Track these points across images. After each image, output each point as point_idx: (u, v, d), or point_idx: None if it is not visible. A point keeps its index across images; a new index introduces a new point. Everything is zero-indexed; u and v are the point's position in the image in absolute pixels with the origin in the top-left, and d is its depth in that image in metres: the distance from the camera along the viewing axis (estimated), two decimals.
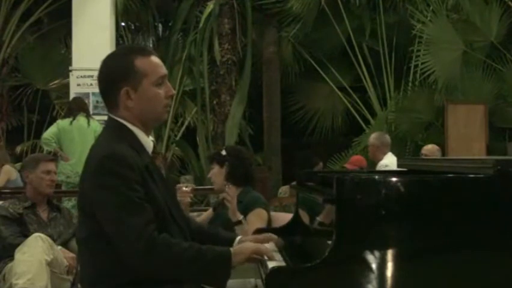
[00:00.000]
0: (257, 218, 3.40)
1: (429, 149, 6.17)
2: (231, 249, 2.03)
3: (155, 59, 2.08)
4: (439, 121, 8.80)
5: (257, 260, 2.07)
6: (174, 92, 2.16)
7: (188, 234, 2.15)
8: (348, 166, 6.54)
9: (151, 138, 2.18)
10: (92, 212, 1.97)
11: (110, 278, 1.99)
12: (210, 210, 3.84)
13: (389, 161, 5.82)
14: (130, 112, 2.05)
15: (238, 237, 2.31)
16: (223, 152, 3.63)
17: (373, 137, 6.25)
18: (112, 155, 1.96)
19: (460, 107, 8.44)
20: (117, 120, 2.07)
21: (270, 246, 2.27)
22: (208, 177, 3.77)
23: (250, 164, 3.68)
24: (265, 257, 2.09)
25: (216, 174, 3.62)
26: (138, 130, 2.08)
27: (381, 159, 6.01)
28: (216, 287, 2.01)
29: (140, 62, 2.04)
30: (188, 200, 3.62)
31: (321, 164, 7.32)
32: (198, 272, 1.96)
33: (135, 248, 1.89)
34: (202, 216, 3.85)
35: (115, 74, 2.05)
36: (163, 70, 2.09)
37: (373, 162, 6.33)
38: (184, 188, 3.49)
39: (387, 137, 6.32)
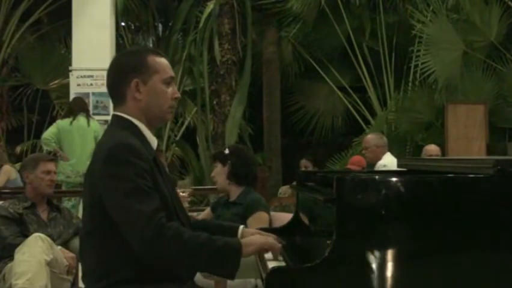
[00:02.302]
0: (258, 221, 3.39)
1: (434, 149, 6.16)
2: (241, 240, 2.05)
3: (166, 61, 2.17)
4: (439, 121, 8.80)
5: (265, 252, 2.10)
6: (179, 95, 2.20)
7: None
8: (351, 167, 6.51)
9: None
10: (98, 204, 1.98)
11: (112, 274, 1.99)
12: (208, 210, 3.83)
13: (388, 161, 5.80)
14: (137, 105, 2.10)
15: (241, 226, 2.34)
16: (226, 151, 3.63)
17: (374, 138, 6.19)
18: (121, 145, 1.99)
19: (460, 107, 8.44)
20: (123, 117, 2.11)
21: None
22: (211, 177, 3.77)
23: (252, 164, 3.66)
24: (270, 256, 2.10)
25: (219, 173, 3.62)
26: (143, 126, 2.12)
27: (380, 159, 5.98)
28: (225, 277, 2.02)
29: (152, 59, 2.12)
30: (186, 204, 3.62)
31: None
32: (207, 260, 1.96)
33: (144, 235, 1.89)
34: (200, 216, 3.85)
35: (127, 66, 2.11)
36: (172, 72, 2.17)
37: (369, 164, 6.27)
38: (181, 194, 3.49)
39: (385, 137, 6.32)
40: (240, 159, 3.58)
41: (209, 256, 1.95)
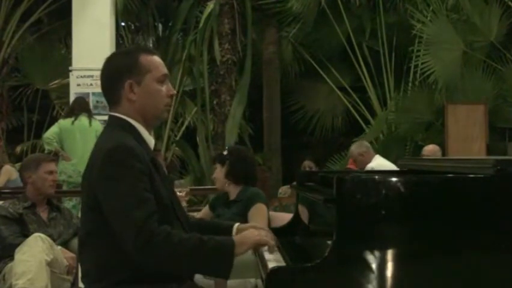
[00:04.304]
0: (258, 212, 3.43)
1: (431, 150, 6.16)
2: (234, 238, 2.04)
3: (158, 58, 2.15)
4: (439, 121, 8.80)
5: (260, 247, 2.09)
6: (175, 92, 2.20)
7: (188, 230, 2.15)
8: (351, 167, 6.53)
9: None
10: (96, 205, 1.98)
11: (111, 274, 1.99)
12: (206, 208, 3.86)
13: (376, 164, 5.84)
14: (132, 106, 2.09)
15: (236, 224, 2.33)
16: (225, 152, 3.71)
17: (354, 148, 6.22)
18: (120, 146, 1.98)
19: (460, 107, 8.44)
20: (119, 117, 2.10)
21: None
22: (212, 178, 3.83)
23: (251, 164, 3.71)
24: (266, 248, 2.09)
25: (218, 173, 3.69)
26: (140, 126, 2.11)
27: (369, 162, 6.02)
28: (219, 277, 2.01)
29: (144, 59, 2.11)
30: (184, 204, 3.63)
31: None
32: (200, 261, 1.95)
33: (136, 241, 1.89)
34: (199, 215, 3.86)
35: (120, 68, 2.10)
36: (165, 70, 2.16)
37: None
38: (178, 193, 3.50)
39: (365, 142, 6.46)
40: (238, 158, 3.64)
41: (201, 258, 1.94)
